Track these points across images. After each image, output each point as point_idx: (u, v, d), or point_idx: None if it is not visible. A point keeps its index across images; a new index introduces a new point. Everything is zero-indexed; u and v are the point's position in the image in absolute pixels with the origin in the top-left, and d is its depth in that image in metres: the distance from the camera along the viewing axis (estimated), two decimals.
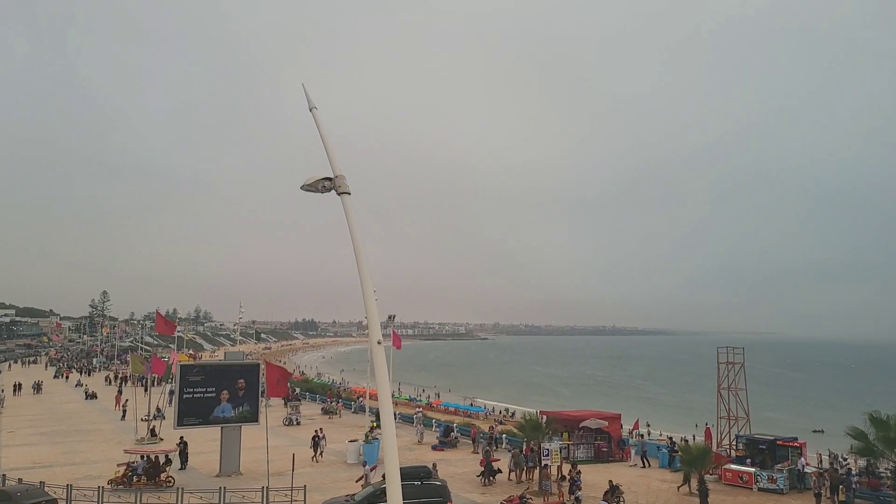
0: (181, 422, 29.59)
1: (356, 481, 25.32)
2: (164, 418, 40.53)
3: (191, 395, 29.67)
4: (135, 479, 27.21)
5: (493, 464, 29.97)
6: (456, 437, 39.78)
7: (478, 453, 36.10)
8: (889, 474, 24.85)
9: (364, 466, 26.44)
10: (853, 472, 29.25)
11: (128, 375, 74.87)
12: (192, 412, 29.69)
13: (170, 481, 27.54)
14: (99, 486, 24.54)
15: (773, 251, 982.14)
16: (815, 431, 56.80)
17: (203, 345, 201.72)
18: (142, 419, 43.55)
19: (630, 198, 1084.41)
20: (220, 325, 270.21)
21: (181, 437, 31.93)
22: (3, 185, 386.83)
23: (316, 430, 34.74)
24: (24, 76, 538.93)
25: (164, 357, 75.26)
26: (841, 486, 25.72)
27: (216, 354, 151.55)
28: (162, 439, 36.49)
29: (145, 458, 28.08)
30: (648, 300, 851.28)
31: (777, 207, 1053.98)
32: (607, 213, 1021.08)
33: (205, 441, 34.61)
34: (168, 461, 28.83)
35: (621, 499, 24.17)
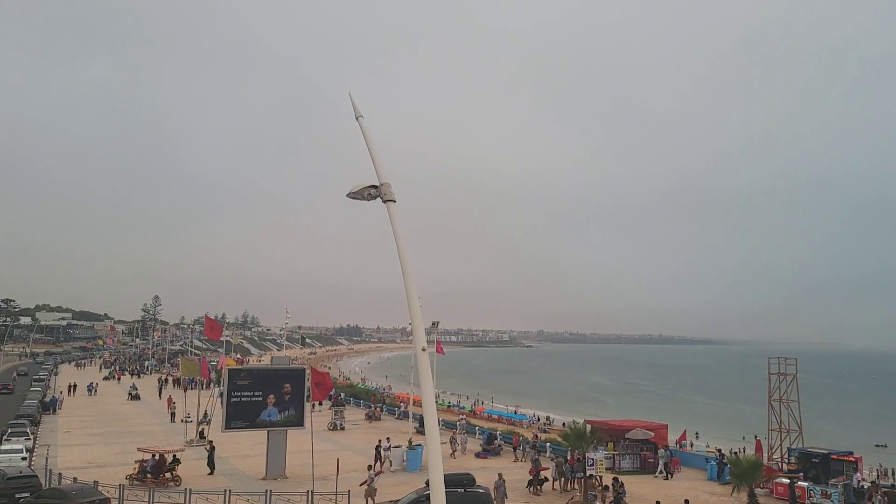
0: (229, 425, 30.19)
1: (360, 485, 25.36)
2: (208, 423, 41.29)
3: (238, 399, 30.26)
4: (146, 476, 28.16)
5: (542, 472, 29.80)
6: (499, 445, 39.59)
7: (518, 461, 35.96)
8: None
9: (369, 471, 26.31)
10: None
11: (178, 378, 76.73)
12: (240, 415, 30.29)
13: (177, 480, 28.32)
14: (150, 487, 25.26)
15: (824, 259, 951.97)
16: (877, 446, 54.74)
17: (250, 349, 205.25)
18: (181, 420, 44.67)
19: (675, 205, 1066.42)
20: (267, 329, 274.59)
21: (210, 442, 32.53)
22: (64, 196, 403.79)
23: (380, 440, 34.65)
24: (98, 96, 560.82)
25: (213, 362, 76.92)
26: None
27: (262, 359, 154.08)
28: (210, 441, 37.22)
29: (154, 457, 28.84)
30: (695, 309, 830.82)
31: (830, 214, 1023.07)
32: (653, 221, 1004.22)
33: (252, 444, 35.23)
34: (176, 461, 29.48)
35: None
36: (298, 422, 31.22)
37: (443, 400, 75.84)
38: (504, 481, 26.31)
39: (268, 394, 30.63)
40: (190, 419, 44.73)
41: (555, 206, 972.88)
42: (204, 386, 52.70)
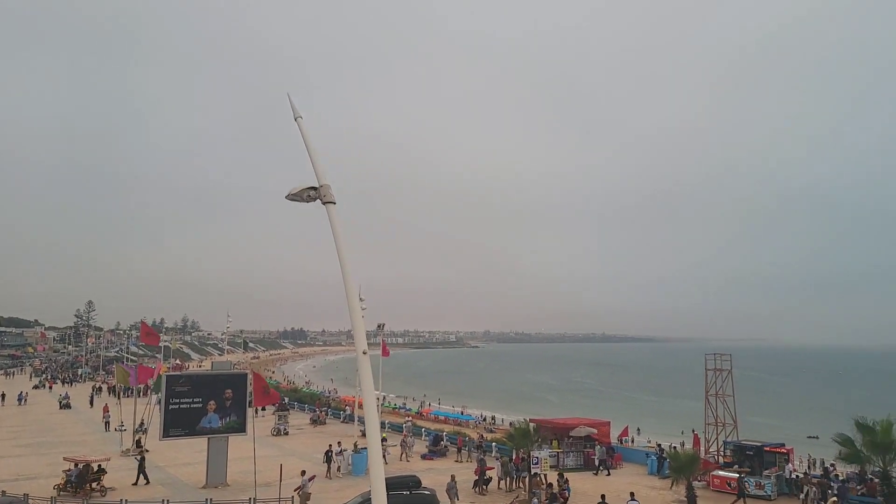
0: (167, 433, 29.31)
1: (294, 491, 25.11)
2: (144, 432, 39.98)
3: (177, 406, 29.41)
4: (71, 486, 27.34)
5: (487, 472, 30.01)
6: (445, 447, 39.67)
7: (460, 462, 36.17)
8: (877, 480, 24.94)
9: (303, 476, 26.01)
10: (839, 478, 29.42)
11: (114, 385, 74.15)
12: (179, 423, 29.41)
13: (102, 490, 27.53)
14: (82, 500, 24.35)
15: (759, 259, 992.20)
16: (809, 437, 56.67)
17: (190, 354, 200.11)
18: (115, 429, 43.25)
19: (619, 210, 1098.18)
20: (208, 334, 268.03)
21: (140, 451, 31.61)
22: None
23: (330, 444, 33.94)
24: (39, 96, 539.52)
25: (152, 366, 74.65)
26: (831, 493, 25.73)
27: (203, 364, 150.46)
28: (148, 450, 36.11)
29: (78, 466, 27.99)
30: (637, 308, 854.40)
31: (770, 217, 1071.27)
32: (597, 225, 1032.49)
33: (191, 452, 34.33)
34: (102, 470, 28.59)
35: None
36: (240, 428, 30.55)
37: (389, 402, 75.58)
38: (456, 483, 26.39)
39: (208, 400, 29.85)
40: (124, 428, 43.33)
41: (502, 210, 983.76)
42: (140, 393, 51.11)
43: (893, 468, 22.33)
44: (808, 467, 40.48)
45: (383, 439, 37.33)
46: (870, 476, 26.72)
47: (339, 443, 34.62)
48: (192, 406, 29.59)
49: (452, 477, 26.82)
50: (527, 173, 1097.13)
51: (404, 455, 36.95)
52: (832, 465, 33.92)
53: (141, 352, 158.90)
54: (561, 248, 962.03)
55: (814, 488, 26.43)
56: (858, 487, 27.48)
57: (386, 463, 34.19)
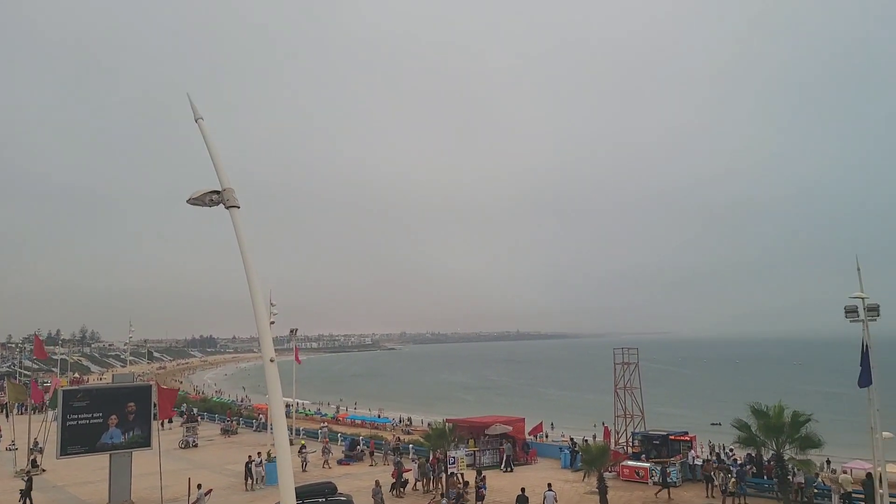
0: (65, 451, 27.59)
1: None
2: (40, 451, 37.52)
3: (75, 422, 27.72)
4: None
5: (404, 474, 29.98)
6: (362, 451, 39.32)
7: (375, 465, 36.02)
8: (773, 462, 26.49)
9: (199, 490, 25.24)
10: (738, 462, 31.11)
11: (5, 403, 69.31)
12: (77, 440, 27.71)
13: None
14: None
15: (662, 260, 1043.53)
16: (713, 424, 59.16)
17: (90, 367, 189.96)
18: (6, 449, 40.65)
19: (534, 212, 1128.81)
20: (109, 345, 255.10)
21: (28, 472, 29.85)
22: None
23: (250, 455, 32.65)
24: None
25: (46, 382, 70.44)
26: (730, 476, 27.17)
27: (104, 377, 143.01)
28: (44, 470, 34.00)
29: None
30: (549, 307, 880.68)
31: (670, 222, 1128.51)
32: (511, 227, 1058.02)
33: (92, 470, 32.56)
34: None
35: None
36: (145, 442, 29.11)
37: (303, 408, 74.18)
38: (381, 488, 26.18)
39: (109, 415, 28.29)
40: (15, 447, 40.56)
41: (416, 214, 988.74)
42: (36, 410, 48.05)
43: (786, 451, 23.75)
44: (710, 453, 42.58)
45: (303, 446, 36.65)
46: (767, 460, 28.34)
47: (258, 453, 33.55)
48: (91, 421, 27.96)
49: (377, 482, 26.61)
50: (441, 179, 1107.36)
51: (325, 461, 36.37)
52: (731, 449, 35.76)
53: (35, 366, 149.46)
54: (474, 250, 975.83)
55: (721, 474, 27.86)
56: (748, 467, 29.23)
57: (305, 470, 33.63)
